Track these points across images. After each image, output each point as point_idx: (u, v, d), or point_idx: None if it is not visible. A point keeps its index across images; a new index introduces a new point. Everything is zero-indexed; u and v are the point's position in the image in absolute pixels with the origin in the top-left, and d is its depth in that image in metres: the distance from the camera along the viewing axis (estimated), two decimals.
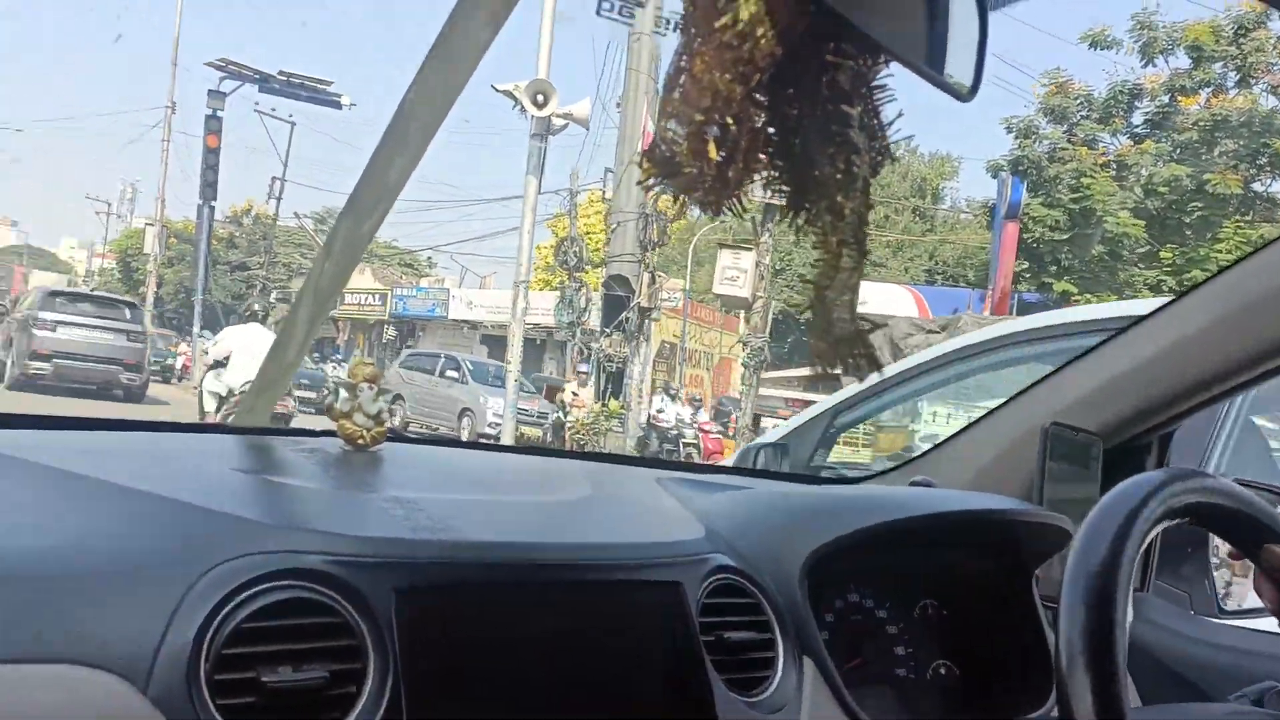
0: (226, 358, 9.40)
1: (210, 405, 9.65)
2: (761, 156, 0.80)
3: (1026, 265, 19.45)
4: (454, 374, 18.52)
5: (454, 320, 27.17)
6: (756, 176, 0.80)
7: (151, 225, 27.18)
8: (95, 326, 15.34)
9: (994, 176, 20.24)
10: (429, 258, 36.21)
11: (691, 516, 1.06)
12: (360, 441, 1.17)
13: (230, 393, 9.26)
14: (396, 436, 1.34)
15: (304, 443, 1.20)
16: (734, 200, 0.82)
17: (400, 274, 34.05)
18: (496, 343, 24.83)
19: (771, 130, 0.79)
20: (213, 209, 25.05)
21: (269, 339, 8.95)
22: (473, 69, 0.88)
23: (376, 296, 29.80)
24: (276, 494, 0.95)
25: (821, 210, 0.80)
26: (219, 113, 24.13)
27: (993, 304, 17.25)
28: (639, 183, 0.80)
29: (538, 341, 24.49)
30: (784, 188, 0.81)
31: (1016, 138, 20.90)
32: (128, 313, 16.51)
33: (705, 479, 1.30)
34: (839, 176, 0.79)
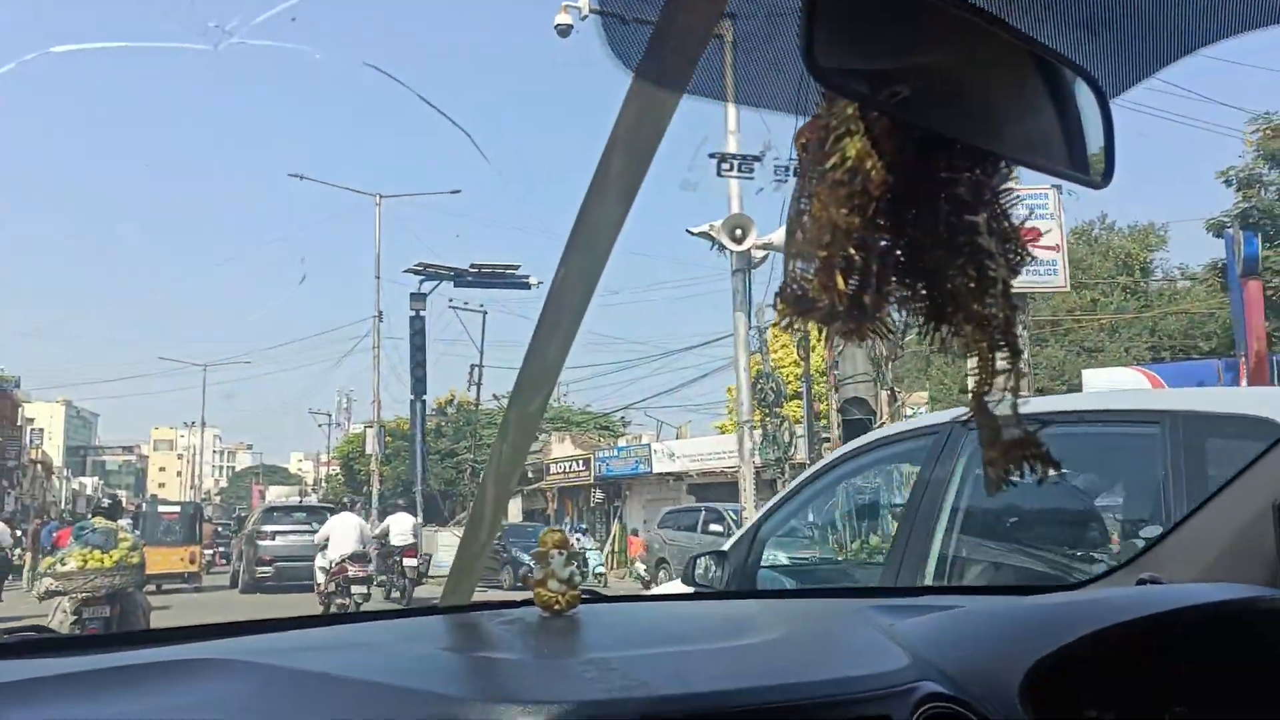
0: (327, 540, 12.90)
1: (320, 576, 13.05)
2: (893, 278, 0.83)
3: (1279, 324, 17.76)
4: (718, 528, 17.53)
5: (658, 474, 27.22)
6: (892, 298, 0.83)
7: (370, 427, 28.38)
8: (303, 531, 18.26)
9: (1218, 235, 18.88)
10: (622, 417, 37.00)
11: (894, 644, 1.04)
12: (556, 607, 1.24)
13: (331, 563, 12.60)
14: (594, 598, 1.40)
15: (505, 614, 1.28)
16: (876, 325, 0.86)
17: (598, 437, 34.97)
18: (703, 491, 24.59)
19: (899, 253, 0.83)
20: (424, 403, 26.75)
21: (355, 521, 12.77)
22: (611, 245, 0.97)
23: (580, 462, 30.30)
24: (480, 669, 1.02)
25: (961, 321, 0.82)
26: (421, 313, 26.51)
27: (1249, 371, 15.64)
28: (774, 324, 0.85)
29: None
30: (920, 304, 0.83)
31: (1239, 189, 19.53)
32: (328, 516, 19.40)
33: (911, 603, 1.26)
34: (972, 285, 0.81)
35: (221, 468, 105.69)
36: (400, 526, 14.92)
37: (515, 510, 31.19)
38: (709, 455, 25.59)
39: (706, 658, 1.06)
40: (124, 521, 10.87)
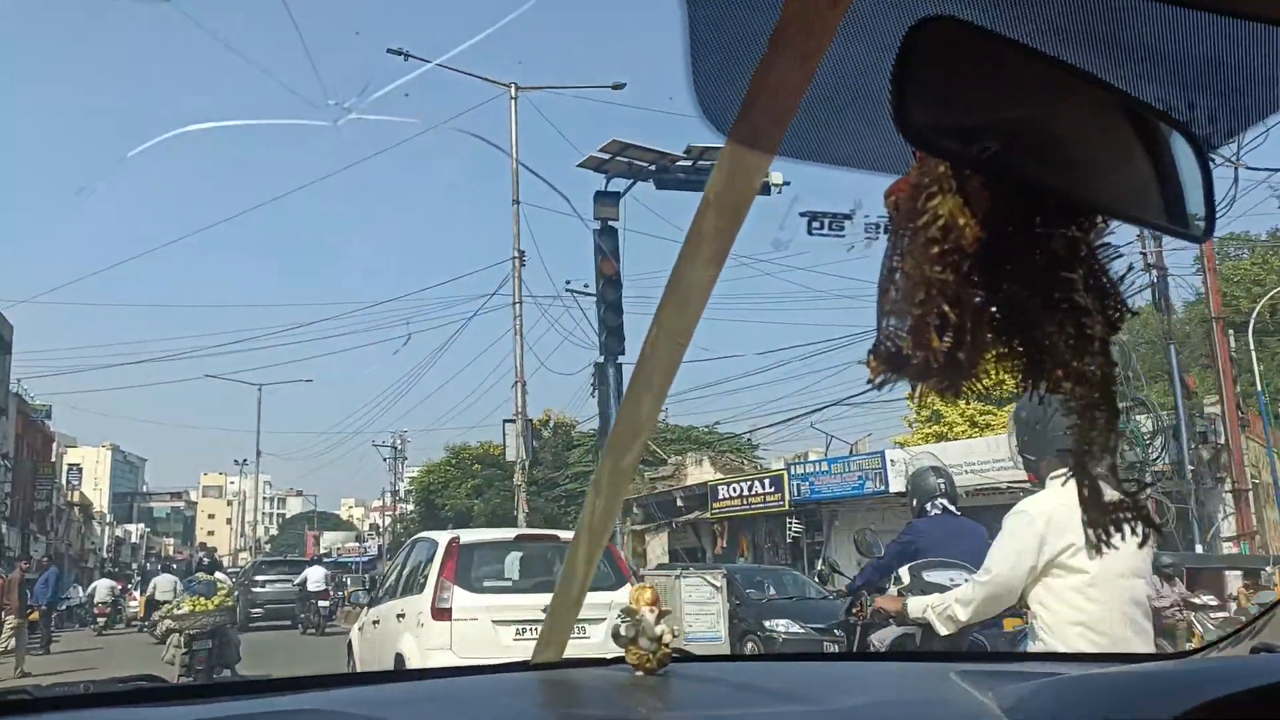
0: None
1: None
2: (989, 335, 0.91)
3: None
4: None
5: (891, 495, 20.33)
6: (988, 354, 0.91)
7: (512, 422, 20.48)
8: (284, 580, 26.39)
9: None
10: (748, 438, 32.60)
11: (994, 709, 1.10)
12: (647, 665, 1.34)
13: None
14: (684, 656, 1.49)
15: (596, 672, 1.38)
16: (971, 381, 0.94)
17: (739, 459, 30.51)
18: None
19: (994, 309, 0.91)
20: (619, 367, 18.64)
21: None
22: (703, 306, 1.07)
23: (767, 482, 24.35)
24: None
25: (1060, 378, 0.89)
26: (612, 222, 18.59)
27: None
28: (869, 381, 0.94)
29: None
30: (1016, 361, 0.91)
31: None
32: (304, 569, 28.69)
33: (1010, 668, 1.31)
34: (1071, 342, 0.88)
35: (272, 515, 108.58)
36: (315, 576, 24.57)
37: (660, 549, 27.41)
38: (985, 465, 18.93)
39: (801, 719, 1.13)
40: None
